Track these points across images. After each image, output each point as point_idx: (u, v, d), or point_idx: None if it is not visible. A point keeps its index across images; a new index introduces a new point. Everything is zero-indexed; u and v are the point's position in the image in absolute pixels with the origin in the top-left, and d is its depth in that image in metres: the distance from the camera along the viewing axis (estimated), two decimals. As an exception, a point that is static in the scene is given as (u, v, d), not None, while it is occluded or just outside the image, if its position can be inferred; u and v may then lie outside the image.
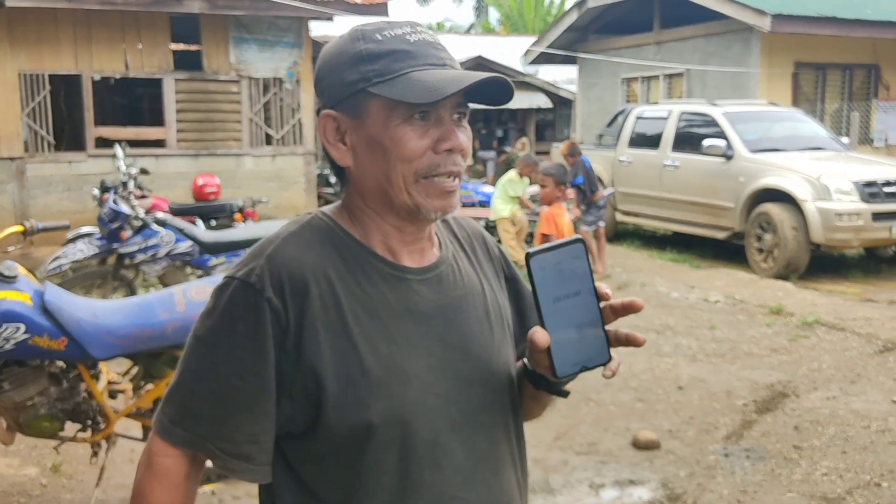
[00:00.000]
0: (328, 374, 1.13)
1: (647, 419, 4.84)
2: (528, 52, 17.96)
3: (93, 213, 6.58)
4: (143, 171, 7.33)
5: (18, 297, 3.08)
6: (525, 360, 1.21)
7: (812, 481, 4.01)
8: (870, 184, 8.75)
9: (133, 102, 15.13)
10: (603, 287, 1.12)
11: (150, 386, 3.44)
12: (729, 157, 9.67)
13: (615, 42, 15.95)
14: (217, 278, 3.41)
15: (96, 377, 3.40)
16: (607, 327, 1.12)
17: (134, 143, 10.22)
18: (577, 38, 16.62)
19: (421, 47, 1.16)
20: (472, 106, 1.20)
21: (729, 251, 10.23)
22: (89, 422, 3.38)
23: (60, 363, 3.30)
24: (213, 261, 6.23)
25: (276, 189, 11.86)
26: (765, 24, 12.06)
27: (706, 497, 3.87)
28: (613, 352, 1.13)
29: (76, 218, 9.96)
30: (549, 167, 5.93)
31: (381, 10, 12.09)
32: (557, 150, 11.13)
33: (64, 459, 4.08)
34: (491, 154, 21.41)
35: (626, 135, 11.64)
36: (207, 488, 3.81)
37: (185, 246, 6.22)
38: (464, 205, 10.65)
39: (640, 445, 4.45)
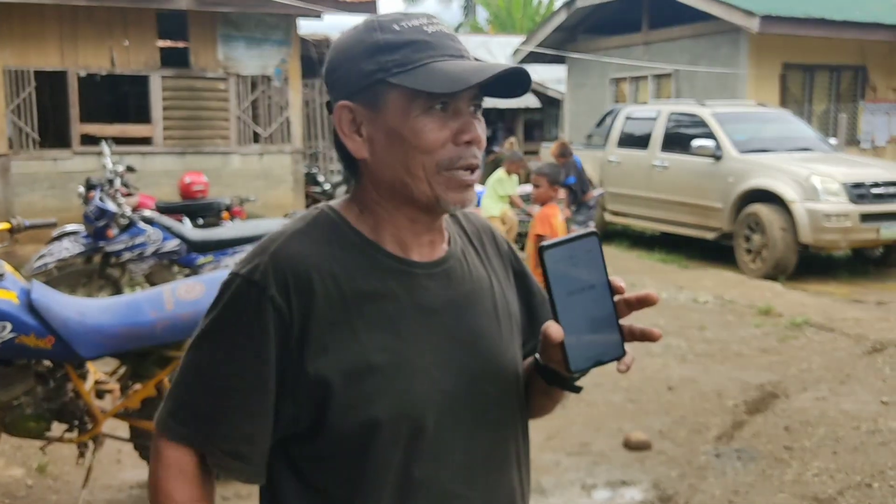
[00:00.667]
0: (334, 372, 1.12)
1: (638, 420, 4.83)
2: (516, 51, 17.97)
3: (78, 210, 6.52)
4: (130, 169, 7.27)
5: (5, 296, 3.04)
6: (537, 355, 1.20)
7: (803, 482, 4.01)
8: (858, 185, 8.79)
9: (119, 99, 15.02)
10: (618, 281, 1.11)
11: (137, 386, 3.41)
12: (718, 158, 9.70)
13: (604, 42, 15.98)
14: (204, 277, 3.38)
15: (83, 377, 3.36)
16: (622, 321, 1.11)
17: (120, 141, 10.16)
18: (565, 37, 16.64)
19: (439, 38, 1.15)
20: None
21: (717, 252, 10.25)
22: (76, 422, 3.35)
23: (47, 362, 3.27)
24: (201, 259, 6.18)
25: (263, 187, 11.79)
26: (753, 25, 12.11)
27: (697, 498, 3.87)
28: (627, 346, 1.12)
29: (61, 216, 9.81)
30: (543, 167, 5.92)
31: (370, 7, 12.06)
32: (548, 151, 11.13)
33: (50, 460, 4.04)
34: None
35: (615, 135, 11.66)
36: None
37: (172, 244, 6.17)
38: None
39: (631, 446, 4.44)
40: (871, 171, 9.30)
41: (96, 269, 6.28)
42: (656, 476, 4.09)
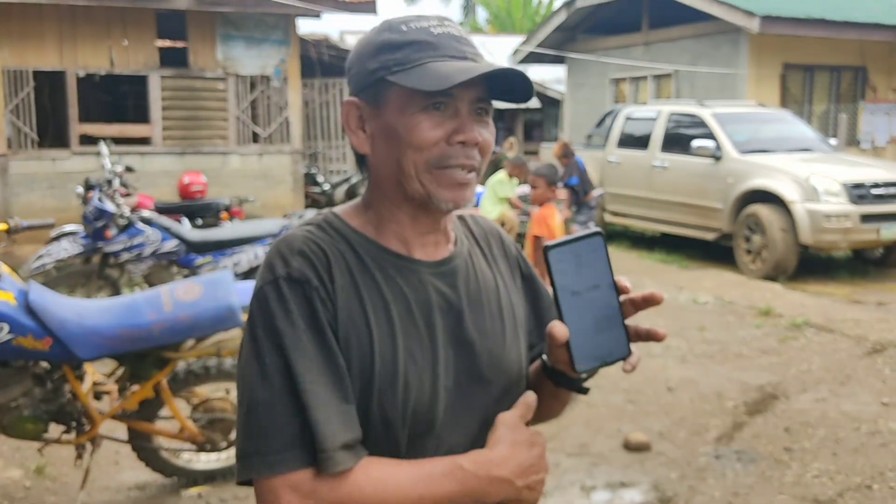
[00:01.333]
0: (355, 365, 1.13)
1: (637, 421, 4.82)
2: (516, 51, 17.96)
3: (76, 210, 6.51)
4: (129, 169, 7.26)
5: (2, 297, 3.03)
6: (544, 356, 1.21)
7: (803, 483, 4.00)
8: (858, 185, 8.78)
9: (118, 99, 15.01)
10: (623, 280, 1.12)
11: (135, 387, 3.40)
12: (718, 158, 9.69)
13: (604, 42, 15.97)
14: (203, 278, 3.36)
15: (81, 378, 3.35)
16: (627, 321, 1.11)
17: (119, 141, 10.14)
18: (565, 38, 16.64)
19: (443, 39, 1.16)
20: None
21: (717, 252, 10.24)
22: (74, 423, 3.34)
23: (45, 364, 3.25)
24: (199, 260, 6.17)
25: (262, 188, 11.78)
26: (753, 26, 12.10)
27: (697, 499, 3.85)
28: (633, 346, 1.11)
29: (60, 216, 9.84)
30: (541, 168, 5.90)
31: (369, 7, 12.05)
32: (550, 152, 11.13)
33: (48, 461, 4.02)
34: (479, 154, 21.33)
35: (615, 135, 11.65)
36: (194, 491, 3.76)
37: (170, 245, 6.16)
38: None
39: (631, 447, 4.43)
40: (871, 171, 9.29)
41: (95, 270, 6.27)
42: (656, 477, 4.08)
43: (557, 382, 1.22)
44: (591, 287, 1.08)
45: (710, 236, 9.98)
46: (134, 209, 6.73)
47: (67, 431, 3.38)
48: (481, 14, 36.19)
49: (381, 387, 1.13)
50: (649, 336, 1.13)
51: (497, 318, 1.26)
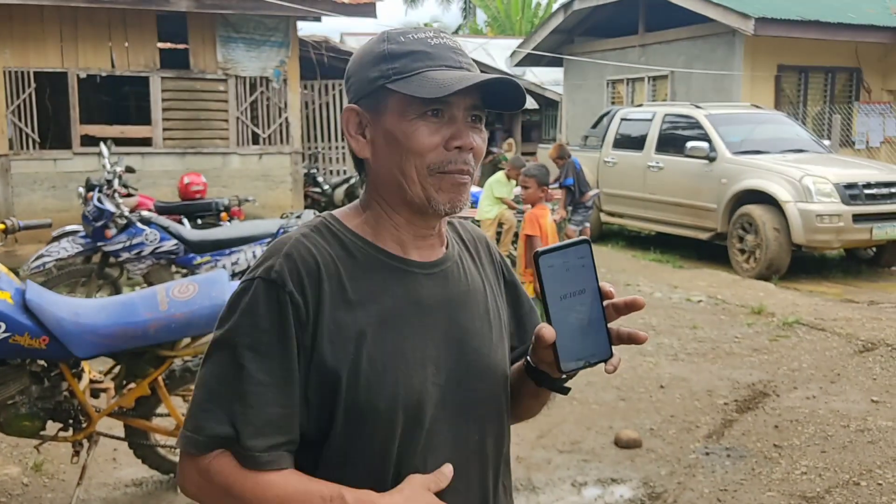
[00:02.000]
0: (339, 365, 1.18)
1: (629, 418, 4.88)
2: (514, 53, 18.02)
3: (78, 211, 6.57)
4: (129, 170, 7.32)
5: (-1, 296, 3.07)
6: (528, 357, 1.26)
7: (791, 480, 4.05)
8: (850, 185, 8.84)
9: (119, 101, 15.06)
10: (607, 286, 1.17)
11: (132, 385, 3.44)
12: (712, 159, 9.75)
13: (600, 44, 16.03)
14: (198, 277, 3.42)
15: (78, 376, 3.39)
16: (610, 325, 1.16)
17: (120, 142, 10.18)
18: (563, 40, 16.69)
19: (440, 50, 1.22)
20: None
21: (711, 252, 10.29)
22: (71, 421, 3.37)
23: (42, 362, 3.30)
24: (198, 259, 6.23)
25: (262, 188, 11.84)
26: (748, 28, 12.16)
27: (686, 495, 3.90)
28: (614, 349, 1.17)
29: (62, 216, 9.92)
30: (532, 168, 5.96)
31: (369, 10, 12.09)
32: (546, 153, 11.18)
33: (46, 458, 4.07)
34: (477, 155, 21.37)
35: (610, 136, 11.72)
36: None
37: (169, 244, 6.22)
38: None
39: (621, 444, 4.48)
40: (863, 171, 9.35)
41: (95, 269, 6.33)
42: (646, 474, 4.13)
43: (540, 382, 1.27)
44: (577, 292, 1.14)
45: (704, 236, 10.04)
46: (133, 209, 6.78)
47: (64, 429, 3.41)
48: (481, 17, 36.24)
49: (369, 384, 1.17)
50: (631, 339, 1.17)
51: (484, 319, 1.31)
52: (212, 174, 11.13)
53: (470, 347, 1.27)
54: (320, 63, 14.24)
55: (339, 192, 13.26)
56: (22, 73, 10.64)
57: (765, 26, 12.16)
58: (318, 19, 12.28)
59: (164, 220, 6.43)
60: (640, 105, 12.79)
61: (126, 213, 6.23)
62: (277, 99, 12.10)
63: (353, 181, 13.39)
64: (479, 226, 9.22)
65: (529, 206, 5.80)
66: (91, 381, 3.50)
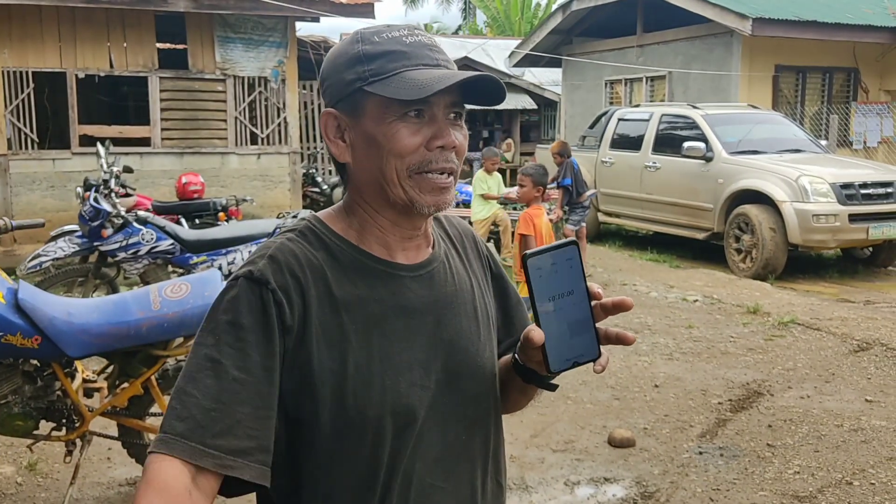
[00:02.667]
0: (325, 371, 1.16)
1: (623, 417, 4.89)
2: (512, 53, 18.03)
3: (77, 210, 6.59)
4: (127, 169, 7.33)
5: (-9, 296, 3.08)
6: (516, 354, 1.26)
7: (784, 479, 4.05)
8: (847, 185, 8.86)
9: (118, 101, 15.07)
10: (595, 287, 1.17)
11: (125, 384, 3.45)
12: (708, 159, 9.77)
13: (599, 45, 16.05)
14: (190, 277, 3.43)
15: (71, 375, 3.39)
16: (598, 325, 1.17)
17: (119, 142, 10.20)
18: (561, 40, 16.71)
19: (416, 48, 1.20)
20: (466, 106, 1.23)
21: (708, 252, 10.31)
22: (64, 420, 3.37)
23: (35, 361, 3.30)
24: (195, 259, 6.24)
25: (260, 188, 11.85)
26: (746, 28, 12.17)
27: (679, 495, 3.91)
28: (602, 348, 1.17)
29: (60, 216, 9.96)
30: (529, 167, 5.96)
31: (367, 10, 12.10)
32: (545, 153, 11.21)
33: (40, 458, 4.09)
34: (476, 154, 21.38)
35: (608, 136, 11.74)
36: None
37: (166, 244, 6.23)
38: (447, 203, 10.67)
39: (615, 443, 4.49)
40: (860, 171, 9.37)
41: (92, 269, 6.35)
42: (639, 473, 4.14)
43: (527, 379, 1.26)
44: (565, 293, 1.15)
45: (700, 236, 10.06)
46: (130, 209, 6.80)
47: (58, 428, 3.42)
48: (481, 17, 36.27)
49: (357, 391, 1.16)
50: (619, 339, 1.17)
51: (472, 319, 1.30)
52: (210, 174, 11.15)
53: (458, 348, 1.27)
54: (319, 63, 14.25)
55: (338, 192, 13.28)
56: (20, 72, 10.65)
57: (762, 27, 12.17)
58: (316, 19, 12.30)
59: (160, 220, 6.45)
60: (638, 105, 12.81)
61: (122, 213, 6.25)
62: (276, 99, 12.11)
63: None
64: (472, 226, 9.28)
65: (524, 205, 5.80)
66: (84, 381, 3.51)
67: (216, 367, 1.13)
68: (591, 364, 1.17)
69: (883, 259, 9.66)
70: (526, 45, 17.21)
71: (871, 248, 9.65)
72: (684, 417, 4.88)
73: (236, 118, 11.88)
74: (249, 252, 6.09)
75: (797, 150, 10.08)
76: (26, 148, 10.84)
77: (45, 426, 3.44)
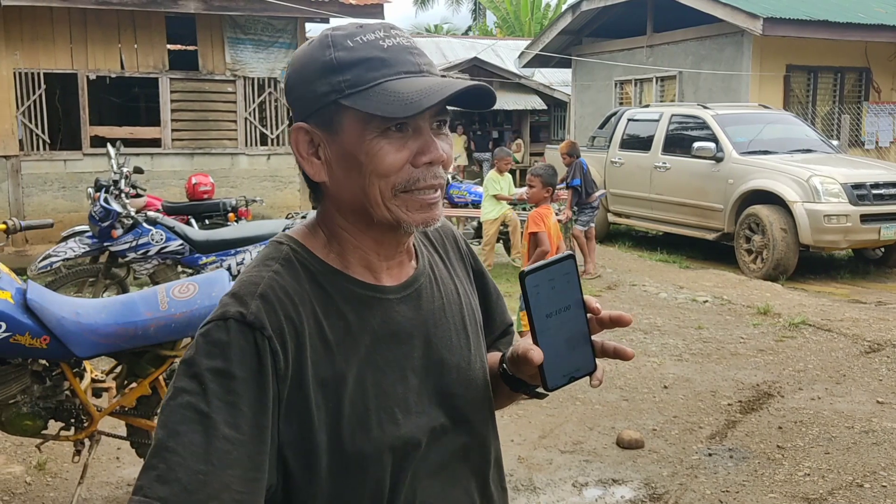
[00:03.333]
0: (321, 414, 1.08)
1: (631, 418, 4.87)
2: (522, 54, 18.02)
3: (88, 211, 6.62)
4: (137, 170, 7.36)
5: (0, 296, 3.09)
6: (506, 365, 1.22)
7: (794, 482, 4.03)
8: (858, 185, 8.81)
9: (129, 102, 15.14)
10: (591, 301, 1.14)
11: (133, 384, 3.46)
12: (719, 160, 9.74)
13: (609, 45, 16.02)
14: (198, 277, 3.44)
15: (80, 375, 3.41)
16: (594, 338, 1.14)
17: (130, 143, 10.24)
18: (571, 41, 16.70)
19: (396, 53, 1.09)
20: (461, 108, 1.15)
21: (718, 252, 10.28)
22: (72, 420, 3.39)
23: (43, 361, 3.32)
24: (204, 259, 6.26)
25: (270, 189, 11.89)
26: (757, 28, 12.12)
27: (688, 497, 3.89)
28: (598, 361, 1.15)
29: (71, 216, 10.01)
30: (538, 168, 5.96)
31: (377, 11, 12.12)
32: (557, 149, 11.19)
33: (49, 457, 4.10)
34: (486, 155, 21.44)
35: (617, 137, 11.72)
36: None
37: (175, 244, 6.26)
38: (456, 204, 10.68)
39: (624, 444, 4.47)
40: (871, 172, 9.31)
41: (102, 269, 6.38)
42: (647, 474, 4.12)
43: (515, 389, 1.23)
44: (563, 308, 1.12)
45: (711, 236, 10.03)
46: (140, 210, 6.82)
47: (66, 428, 3.43)
48: (491, 18, 36.32)
49: (353, 430, 1.10)
50: (616, 354, 1.13)
51: (461, 331, 1.25)
52: (220, 174, 11.19)
53: (449, 367, 1.21)
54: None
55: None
56: (32, 74, 10.71)
57: (773, 26, 12.12)
58: (325, 20, 12.31)
59: (169, 221, 6.47)
60: (648, 105, 12.78)
61: (132, 214, 6.27)
62: (285, 100, 12.13)
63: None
64: (481, 227, 9.29)
65: (533, 205, 5.80)
66: (93, 381, 3.52)
67: (204, 421, 1.00)
68: (588, 378, 1.14)
69: (895, 260, 9.60)
70: (536, 45, 17.20)
71: (882, 249, 9.60)
72: (693, 419, 4.86)
73: (246, 119, 11.92)
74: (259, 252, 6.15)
75: (808, 151, 10.03)
76: (38, 149, 10.90)
77: (53, 426, 3.45)
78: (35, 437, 3.39)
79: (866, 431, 4.63)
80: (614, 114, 12.42)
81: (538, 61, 17.70)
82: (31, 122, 10.78)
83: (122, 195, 6.50)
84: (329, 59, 1.09)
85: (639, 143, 11.25)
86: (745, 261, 9.32)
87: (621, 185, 11.44)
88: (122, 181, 6.72)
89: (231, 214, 8.53)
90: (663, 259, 10.24)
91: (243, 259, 6.21)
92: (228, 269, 6.09)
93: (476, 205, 10.29)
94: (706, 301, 7.86)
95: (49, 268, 6.16)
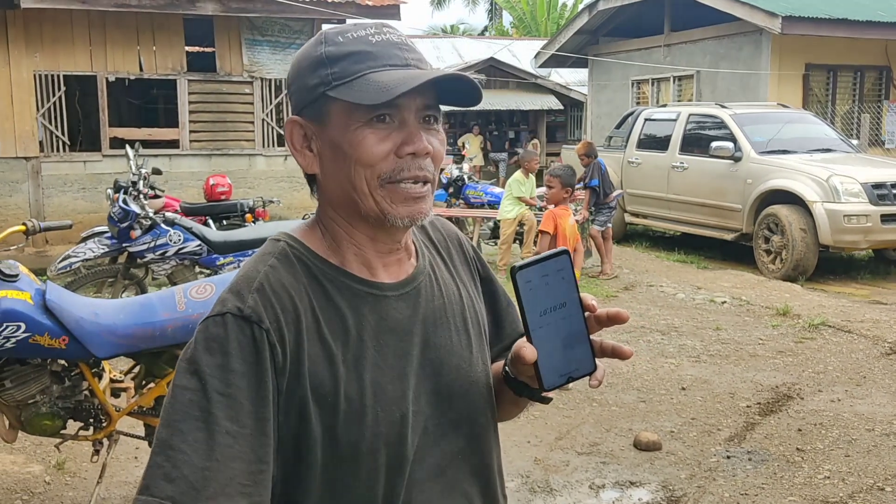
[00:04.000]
0: (319, 410, 1.09)
1: (649, 420, 4.85)
2: (538, 54, 17.99)
3: (107, 212, 6.68)
4: (156, 171, 7.41)
5: (19, 296, 3.11)
6: (507, 367, 1.19)
7: (814, 485, 4.00)
8: (879, 185, 8.73)
9: (148, 103, 15.25)
10: (588, 298, 1.12)
11: (151, 385, 3.48)
12: (737, 159, 9.68)
13: (625, 44, 15.97)
14: (215, 278, 3.45)
15: (98, 375, 3.43)
16: (592, 337, 1.12)
17: (148, 144, 10.32)
18: (587, 40, 16.66)
19: (383, 48, 1.12)
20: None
21: (737, 253, 10.21)
22: (91, 420, 3.41)
23: (62, 361, 3.34)
24: (221, 260, 6.29)
25: (287, 189, 11.93)
26: (775, 26, 12.04)
27: (706, 499, 3.86)
28: (599, 361, 1.12)
29: (91, 217, 10.09)
30: (557, 168, 5.95)
31: (393, 12, 12.14)
32: (572, 153, 11.18)
33: (68, 457, 4.13)
34: (503, 155, 21.44)
35: (634, 136, 11.67)
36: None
37: (193, 245, 6.29)
38: (472, 204, 10.68)
39: (641, 446, 4.45)
40: (892, 171, 9.22)
41: (121, 270, 6.43)
42: (665, 477, 4.10)
43: (519, 392, 1.19)
44: (558, 306, 1.09)
45: (729, 236, 9.97)
46: (158, 210, 6.87)
47: (85, 428, 3.45)
48: (507, 18, 36.30)
49: (349, 425, 1.09)
50: (615, 353, 1.11)
51: (462, 332, 1.24)
52: (237, 175, 11.24)
53: (448, 367, 1.20)
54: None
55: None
56: (52, 76, 10.81)
57: (792, 25, 12.03)
58: (342, 21, 12.34)
59: (187, 222, 6.51)
60: (665, 105, 12.72)
61: (151, 215, 6.31)
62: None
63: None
64: (497, 227, 9.29)
65: (552, 205, 5.79)
66: (111, 381, 3.55)
67: (206, 417, 1.01)
68: (588, 378, 1.11)
69: (916, 260, 9.52)
70: (552, 45, 17.16)
71: (903, 249, 9.50)
72: (712, 421, 4.83)
73: (263, 120, 11.98)
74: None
75: (828, 150, 9.95)
76: (58, 150, 11.00)
77: (72, 426, 3.47)
78: (54, 436, 3.41)
79: (887, 434, 4.59)
80: (631, 113, 12.37)
81: (554, 61, 17.66)
82: (51, 123, 10.88)
83: (141, 196, 6.55)
84: (320, 54, 1.12)
85: (656, 143, 11.20)
86: (764, 261, 9.26)
87: (638, 185, 11.39)
88: (141, 182, 6.77)
89: (248, 215, 8.58)
90: (681, 259, 10.19)
91: (260, 260, 6.22)
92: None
93: (492, 205, 10.29)
94: (724, 302, 7.81)
95: (68, 268, 6.21)
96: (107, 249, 6.35)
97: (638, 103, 15.08)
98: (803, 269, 8.80)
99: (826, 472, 4.13)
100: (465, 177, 11.10)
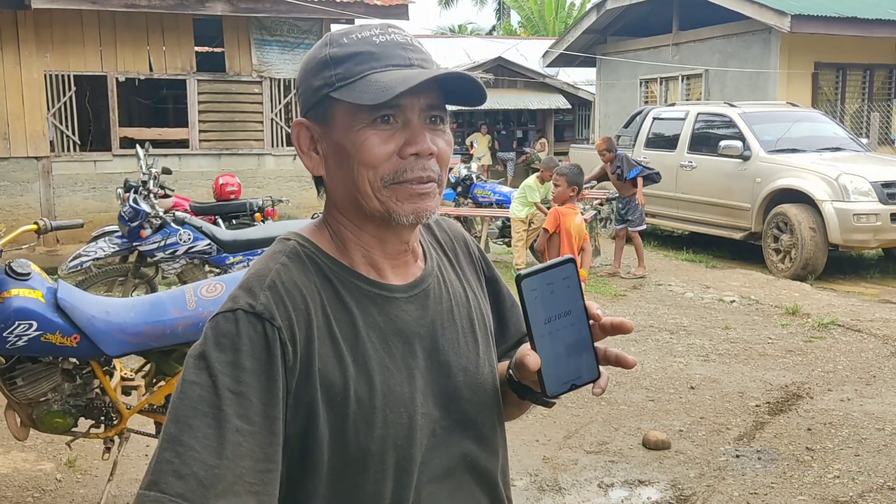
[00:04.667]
0: (329, 411, 1.08)
1: (658, 419, 4.84)
2: (546, 53, 17.98)
3: (118, 211, 6.71)
4: (166, 171, 7.44)
5: (31, 295, 3.14)
6: (511, 371, 1.20)
7: (824, 484, 3.99)
8: (888, 184, 8.70)
9: (157, 103, 15.31)
10: (593, 306, 1.12)
11: (162, 383, 3.50)
12: (746, 158, 9.66)
13: (633, 43, 15.95)
14: (225, 277, 3.47)
15: (109, 374, 3.46)
16: (596, 344, 1.12)
17: (158, 144, 10.37)
18: (595, 39, 16.65)
19: (387, 48, 1.11)
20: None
21: (745, 252, 10.19)
22: (102, 418, 3.44)
23: (74, 360, 3.37)
24: (231, 259, 6.32)
25: (296, 189, 11.96)
26: (784, 25, 12.01)
27: (715, 499, 3.86)
28: (602, 368, 1.12)
29: (102, 217, 10.14)
30: (564, 167, 5.96)
31: (402, 12, 12.15)
32: (584, 149, 11.16)
33: (79, 455, 4.15)
34: (511, 155, 21.44)
35: (643, 135, 11.66)
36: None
37: (202, 244, 6.31)
38: (480, 203, 10.67)
39: (650, 445, 4.45)
40: (902, 170, 9.19)
41: (131, 269, 6.46)
42: (674, 476, 4.09)
43: (522, 396, 1.20)
44: (562, 314, 1.09)
45: (737, 236, 9.95)
46: (168, 210, 6.90)
47: (96, 425, 3.47)
48: (515, 17, 36.27)
49: (358, 428, 1.09)
50: (618, 362, 1.11)
51: (469, 334, 1.24)
52: (247, 175, 11.27)
53: (456, 369, 1.20)
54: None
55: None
56: (62, 76, 10.86)
57: (801, 23, 12.00)
58: (351, 21, 12.37)
59: (197, 221, 6.53)
60: (673, 104, 12.70)
61: (161, 214, 6.34)
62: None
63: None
64: (505, 226, 9.29)
65: (559, 204, 5.79)
66: (122, 379, 3.57)
67: (216, 414, 1.00)
68: (591, 385, 1.12)
69: (926, 259, 9.48)
70: (560, 44, 17.16)
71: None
72: (721, 420, 4.82)
73: (272, 120, 12.01)
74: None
75: (837, 149, 9.92)
76: (68, 150, 11.05)
77: (83, 423, 3.50)
78: (65, 434, 3.44)
79: (897, 433, 4.58)
80: (639, 113, 12.36)
81: (562, 60, 17.65)
82: (61, 123, 10.93)
83: (151, 195, 6.58)
84: (324, 56, 1.12)
85: (664, 142, 11.18)
86: (773, 260, 9.23)
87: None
88: (151, 182, 6.80)
89: (258, 214, 8.60)
90: (689, 258, 10.17)
91: (269, 259, 6.24)
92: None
93: (500, 205, 10.28)
94: (733, 301, 7.80)
95: (79, 267, 6.25)
96: (117, 248, 6.38)
97: (646, 102, 15.06)
98: (813, 268, 8.78)
99: (836, 472, 4.12)
100: (474, 176, 11.09)
